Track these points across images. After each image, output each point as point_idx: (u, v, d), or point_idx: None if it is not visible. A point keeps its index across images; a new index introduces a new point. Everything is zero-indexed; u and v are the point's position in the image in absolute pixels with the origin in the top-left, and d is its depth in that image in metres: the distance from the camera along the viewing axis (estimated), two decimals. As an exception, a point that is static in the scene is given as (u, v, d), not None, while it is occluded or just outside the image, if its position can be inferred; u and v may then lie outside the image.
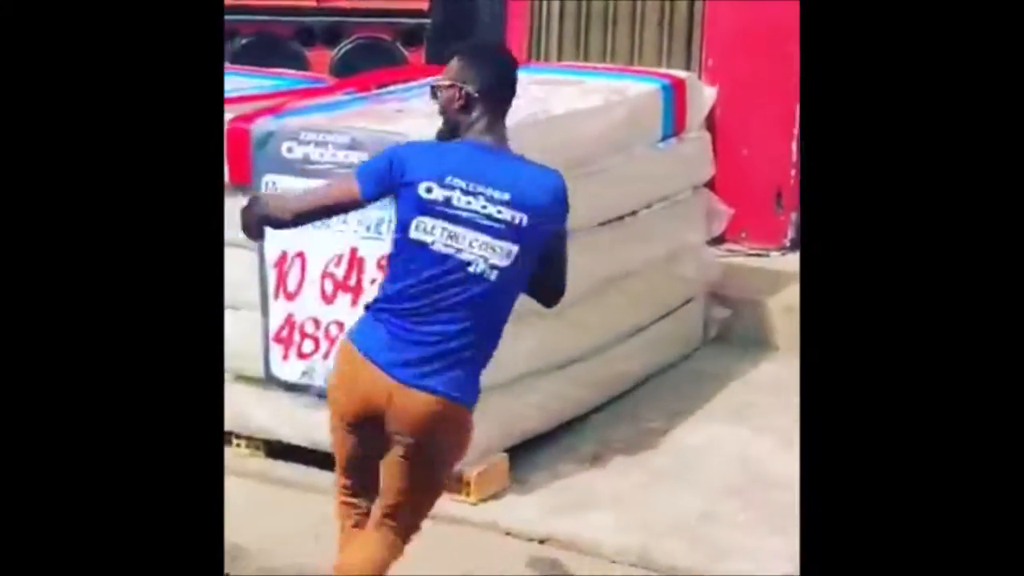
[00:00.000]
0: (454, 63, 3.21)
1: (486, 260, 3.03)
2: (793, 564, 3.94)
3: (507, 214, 3.03)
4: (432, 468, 3.21)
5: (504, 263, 3.05)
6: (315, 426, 4.55)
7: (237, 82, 5.37)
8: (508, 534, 4.20)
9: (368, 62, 6.98)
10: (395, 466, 3.19)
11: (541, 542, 4.18)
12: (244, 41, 7.40)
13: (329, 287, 4.39)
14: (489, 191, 3.04)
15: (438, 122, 4.80)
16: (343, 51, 7.42)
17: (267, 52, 7.15)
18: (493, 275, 3.04)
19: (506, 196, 3.05)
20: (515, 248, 3.05)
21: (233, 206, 4.45)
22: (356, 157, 4.26)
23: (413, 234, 3.07)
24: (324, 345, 4.43)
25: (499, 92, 3.17)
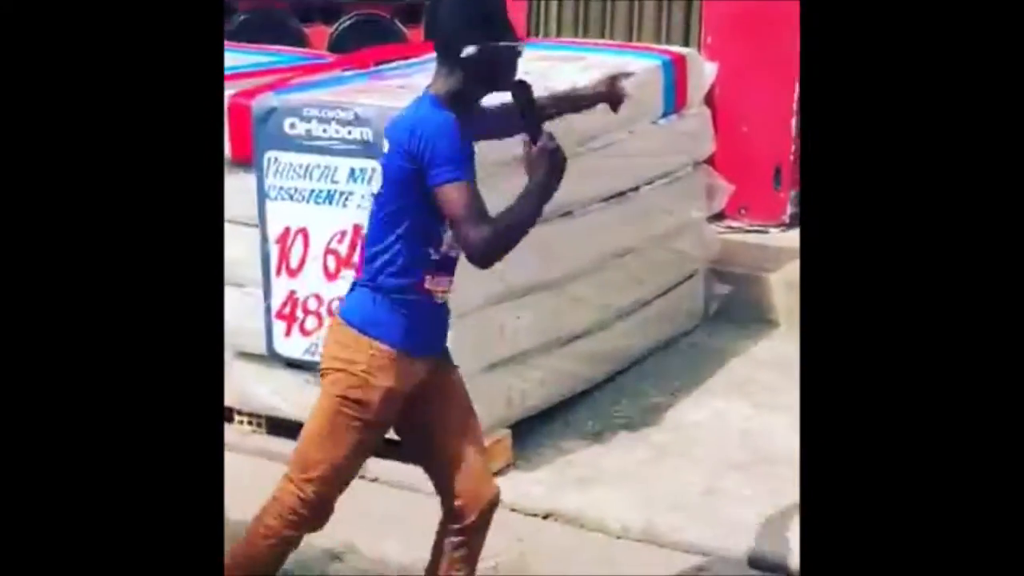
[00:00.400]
0: None
1: (373, 186, 3.14)
2: (797, 538, 3.96)
3: (383, 141, 3.12)
4: (327, 403, 3.18)
5: (377, 188, 3.14)
6: (317, 403, 4.57)
7: (235, 59, 5.36)
8: (512, 510, 4.20)
9: (367, 39, 6.97)
10: None
11: (545, 518, 4.18)
12: (242, 17, 7.38)
13: (332, 264, 4.39)
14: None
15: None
16: (341, 28, 7.41)
17: (265, 29, 7.13)
18: (369, 200, 3.16)
19: (388, 125, 3.13)
20: (380, 173, 3.12)
21: (234, 183, 4.46)
22: (359, 133, 4.25)
23: None
24: (327, 322, 4.41)
25: (442, 43, 3.09)
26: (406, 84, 4.76)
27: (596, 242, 4.96)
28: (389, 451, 4.48)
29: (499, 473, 4.40)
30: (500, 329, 4.51)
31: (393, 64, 5.22)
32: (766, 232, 6.45)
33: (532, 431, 4.64)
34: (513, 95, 3.08)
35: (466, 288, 4.34)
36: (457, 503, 3.30)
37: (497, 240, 2.95)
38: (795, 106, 6.41)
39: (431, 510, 4.28)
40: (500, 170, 4.49)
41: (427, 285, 3.13)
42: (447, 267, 3.16)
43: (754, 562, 3.85)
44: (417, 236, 3.08)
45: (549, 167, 2.99)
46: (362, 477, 4.45)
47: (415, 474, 4.40)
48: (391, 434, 4.23)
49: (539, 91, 4.59)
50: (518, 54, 3.13)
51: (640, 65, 5.29)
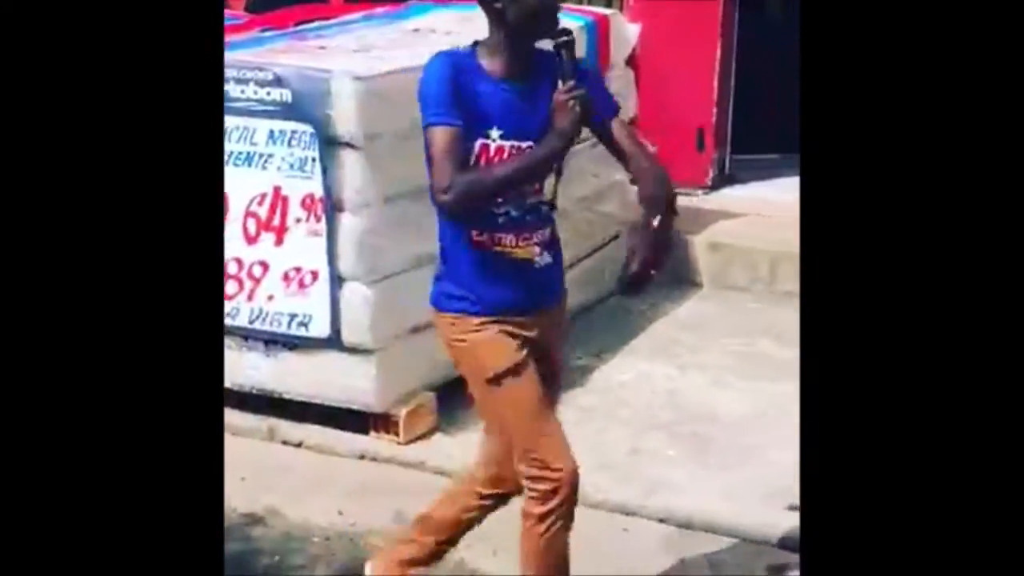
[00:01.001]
0: None
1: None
2: (722, 496, 3.99)
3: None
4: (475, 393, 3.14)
5: None
6: (238, 368, 4.51)
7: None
8: (438, 473, 4.19)
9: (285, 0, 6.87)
10: None
11: (470, 480, 4.17)
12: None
13: (252, 226, 4.33)
14: None
15: (363, 59, 4.77)
16: (260, -12, 7.30)
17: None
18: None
19: None
20: None
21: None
22: (279, 94, 4.19)
23: None
24: (248, 285, 4.37)
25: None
26: (326, 45, 4.71)
27: (520, 204, 4.93)
28: (311, 415, 4.46)
29: (424, 437, 4.40)
30: (424, 292, 4.46)
31: (314, 24, 5.16)
32: (689, 195, 6.47)
33: (457, 394, 4.61)
34: (554, 45, 2.94)
35: (389, 250, 4.34)
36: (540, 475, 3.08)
37: (456, 189, 2.83)
38: (718, 68, 6.43)
39: (353, 473, 4.28)
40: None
41: (476, 238, 3.00)
42: (490, 220, 2.99)
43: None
44: None
45: (561, 123, 2.89)
46: (285, 442, 4.44)
47: (338, 438, 4.40)
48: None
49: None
50: (555, 5, 2.98)
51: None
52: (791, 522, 3.90)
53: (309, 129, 4.20)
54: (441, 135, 2.86)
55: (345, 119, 4.17)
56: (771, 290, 5.78)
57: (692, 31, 6.35)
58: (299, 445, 4.41)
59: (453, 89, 2.89)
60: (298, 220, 4.28)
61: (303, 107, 4.19)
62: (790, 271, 5.75)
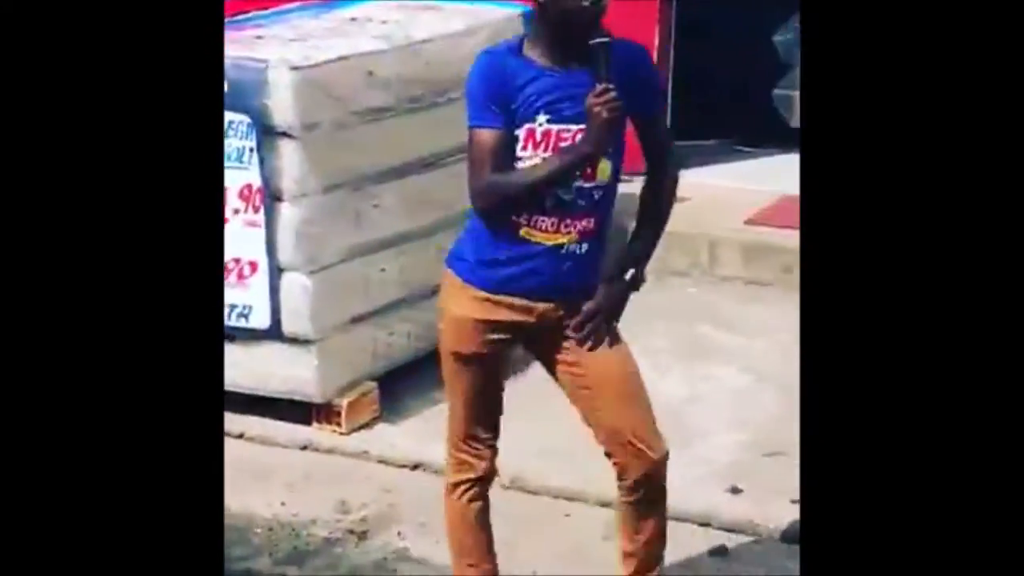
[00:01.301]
0: None
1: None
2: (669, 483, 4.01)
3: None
4: None
5: None
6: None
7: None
8: (381, 462, 4.20)
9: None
10: None
11: (413, 468, 4.18)
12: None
13: (190, 218, 4.31)
14: None
15: (300, 48, 4.74)
16: (195, -22, 7.26)
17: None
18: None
19: None
20: None
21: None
22: (215, 84, 4.17)
23: None
24: (187, 277, 4.35)
25: None
26: (263, 34, 4.68)
27: (461, 192, 4.91)
28: (255, 407, 4.45)
29: (366, 426, 4.41)
30: (364, 282, 4.48)
31: (250, 15, 5.13)
32: (630, 181, 6.48)
33: (399, 383, 4.62)
34: (589, 47, 2.92)
35: (328, 240, 4.33)
36: (615, 463, 3.24)
37: (487, 192, 2.94)
38: (655, 55, 6.45)
39: (296, 464, 4.28)
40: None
41: (514, 218, 2.99)
42: (534, 205, 2.98)
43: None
44: None
45: (590, 129, 2.91)
46: (226, 434, 4.41)
47: (279, 429, 4.39)
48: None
49: (399, 40, 4.58)
50: (595, 9, 2.92)
51: (500, 14, 5.27)
52: (732, 504, 3.94)
53: (246, 119, 4.18)
54: (479, 137, 2.93)
55: (282, 109, 4.16)
56: (710, 275, 5.82)
57: (630, 18, 6.35)
58: (240, 436, 4.39)
59: (495, 90, 2.93)
60: (236, 211, 4.26)
61: (240, 97, 4.17)
62: (729, 256, 5.80)
